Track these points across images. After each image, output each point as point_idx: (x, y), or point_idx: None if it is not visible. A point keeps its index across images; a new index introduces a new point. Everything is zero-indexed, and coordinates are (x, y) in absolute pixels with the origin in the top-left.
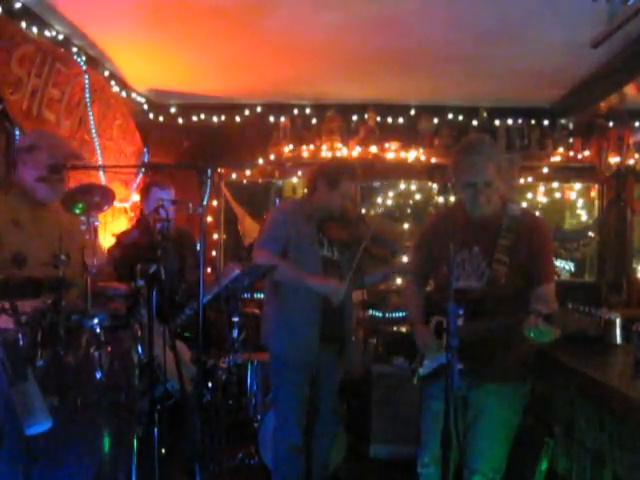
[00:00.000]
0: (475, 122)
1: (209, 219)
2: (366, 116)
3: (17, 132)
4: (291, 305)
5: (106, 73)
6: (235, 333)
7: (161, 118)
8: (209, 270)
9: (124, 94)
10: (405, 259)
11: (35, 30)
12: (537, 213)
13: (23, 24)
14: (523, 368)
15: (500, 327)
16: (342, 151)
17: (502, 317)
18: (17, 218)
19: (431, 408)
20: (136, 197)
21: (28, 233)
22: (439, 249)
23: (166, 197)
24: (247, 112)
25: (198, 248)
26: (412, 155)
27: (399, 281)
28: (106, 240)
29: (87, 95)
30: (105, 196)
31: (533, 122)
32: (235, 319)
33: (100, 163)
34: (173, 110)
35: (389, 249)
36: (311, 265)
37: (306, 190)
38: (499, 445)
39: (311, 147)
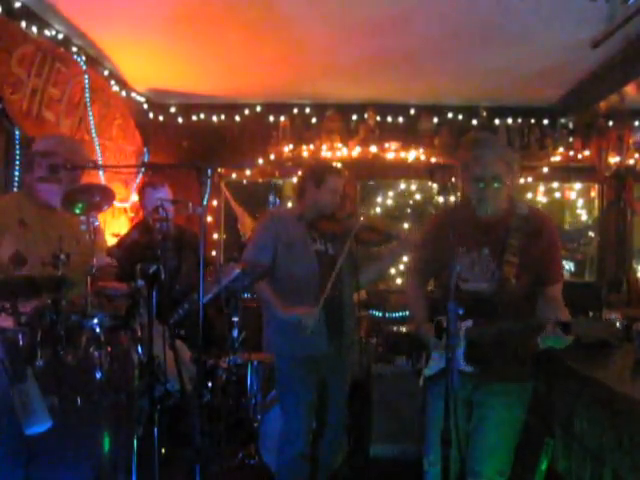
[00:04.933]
0: (475, 122)
1: (209, 219)
2: (366, 116)
3: (17, 132)
4: (292, 306)
5: (106, 73)
6: (235, 333)
7: (161, 118)
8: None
9: (124, 94)
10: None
11: (35, 30)
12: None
13: (23, 24)
14: (526, 367)
15: (512, 330)
16: (342, 151)
17: (514, 320)
18: (23, 218)
19: (438, 407)
20: (136, 197)
21: (33, 233)
22: (445, 250)
23: (162, 196)
24: (247, 112)
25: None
26: (412, 155)
27: (399, 281)
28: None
29: (87, 95)
30: (105, 196)
31: (533, 122)
32: (235, 319)
33: (100, 163)
34: (173, 110)
35: (382, 235)
36: (306, 261)
37: (296, 196)
38: (505, 447)
39: (311, 147)
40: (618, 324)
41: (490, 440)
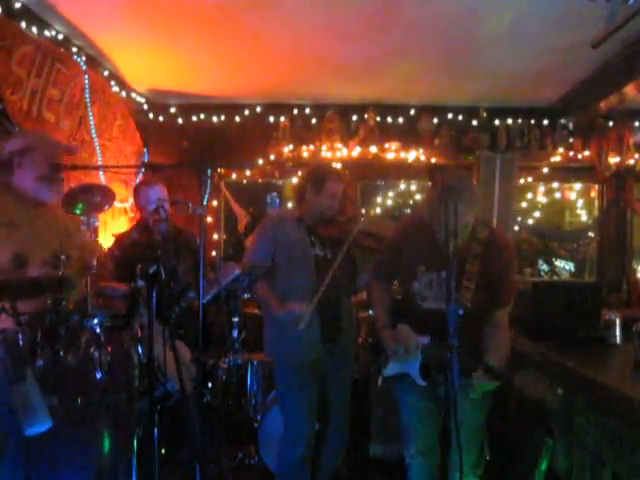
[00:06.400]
0: (475, 122)
1: (209, 219)
2: (366, 116)
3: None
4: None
5: (106, 73)
6: (235, 333)
7: (161, 118)
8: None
9: (124, 94)
10: None
11: (35, 30)
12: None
13: (23, 24)
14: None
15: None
16: (342, 151)
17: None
18: (13, 220)
19: (407, 402)
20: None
21: (24, 234)
22: (406, 264)
23: (156, 194)
24: (247, 112)
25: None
26: (412, 155)
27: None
28: (106, 240)
29: (87, 95)
30: (105, 196)
31: (533, 122)
32: (235, 319)
33: (100, 163)
34: (173, 110)
35: (378, 240)
36: (304, 265)
37: (296, 200)
38: (472, 443)
39: (311, 147)
40: (618, 324)
41: (461, 437)
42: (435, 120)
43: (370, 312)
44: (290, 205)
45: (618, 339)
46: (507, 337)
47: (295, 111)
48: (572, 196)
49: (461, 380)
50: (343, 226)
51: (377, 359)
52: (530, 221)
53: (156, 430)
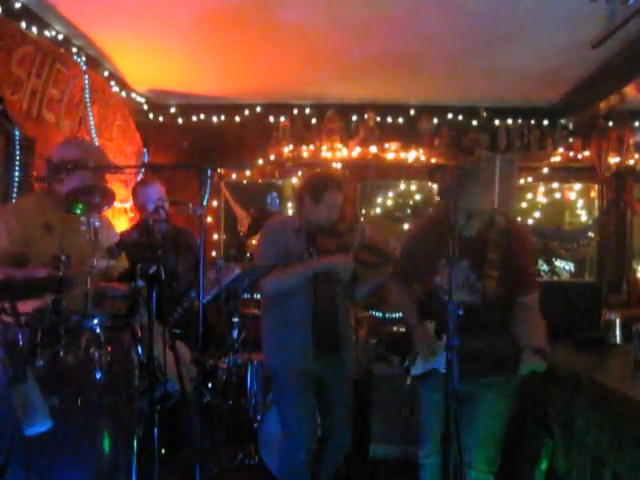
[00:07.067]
0: (475, 122)
1: (209, 219)
2: (366, 116)
3: (17, 132)
4: (282, 319)
5: (106, 73)
6: (235, 333)
7: (161, 118)
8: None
9: (124, 94)
10: None
11: (35, 30)
12: (521, 221)
13: (23, 24)
14: (511, 362)
15: (489, 349)
16: (342, 151)
17: (494, 337)
18: (49, 222)
19: (429, 400)
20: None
21: (58, 236)
22: (427, 260)
23: (155, 194)
24: (247, 112)
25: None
26: (412, 155)
27: None
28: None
29: (87, 95)
30: (105, 196)
31: (533, 122)
32: (235, 319)
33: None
34: (173, 110)
35: (381, 257)
36: None
37: (295, 206)
38: (493, 438)
39: (311, 147)
40: (618, 324)
41: (478, 432)
42: (435, 120)
43: (371, 312)
44: (290, 205)
45: (618, 339)
46: (542, 320)
47: (295, 111)
48: (572, 196)
49: (489, 377)
50: (343, 237)
51: (405, 359)
52: (530, 221)
53: (156, 430)
